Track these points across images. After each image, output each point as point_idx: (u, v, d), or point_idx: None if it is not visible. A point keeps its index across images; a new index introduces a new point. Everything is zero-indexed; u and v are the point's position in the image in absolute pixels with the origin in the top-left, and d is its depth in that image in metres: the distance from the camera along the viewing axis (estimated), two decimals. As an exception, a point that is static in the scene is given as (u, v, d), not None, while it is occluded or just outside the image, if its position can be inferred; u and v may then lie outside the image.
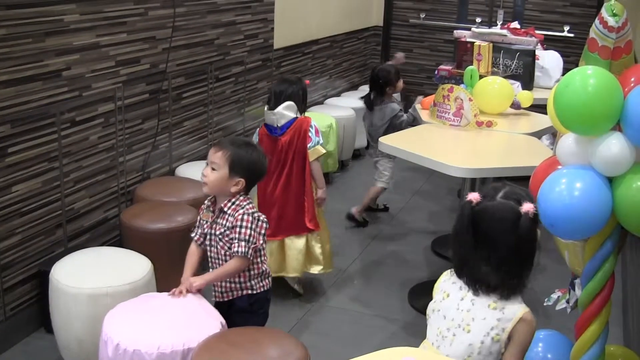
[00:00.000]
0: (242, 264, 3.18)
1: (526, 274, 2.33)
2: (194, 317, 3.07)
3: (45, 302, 3.67)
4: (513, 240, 2.26)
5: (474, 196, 2.34)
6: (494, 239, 2.28)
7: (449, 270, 2.46)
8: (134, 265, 3.61)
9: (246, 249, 3.13)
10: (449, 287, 2.41)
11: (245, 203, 3.20)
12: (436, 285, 2.47)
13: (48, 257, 3.92)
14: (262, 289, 3.30)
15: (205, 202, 3.33)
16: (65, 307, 3.45)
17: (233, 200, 3.20)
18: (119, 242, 4.34)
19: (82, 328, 3.41)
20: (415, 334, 4.15)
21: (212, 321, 3.05)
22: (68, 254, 3.74)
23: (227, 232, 3.18)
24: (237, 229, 3.14)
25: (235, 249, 3.14)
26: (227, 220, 3.19)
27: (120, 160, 4.42)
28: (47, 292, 3.59)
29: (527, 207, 2.26)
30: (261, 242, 3.21)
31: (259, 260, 3.25)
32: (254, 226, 3.16)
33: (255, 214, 3.19)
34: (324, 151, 4.40)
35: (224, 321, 3.11)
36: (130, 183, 4.55)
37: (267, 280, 3.33)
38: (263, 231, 3.22)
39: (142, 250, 3.79)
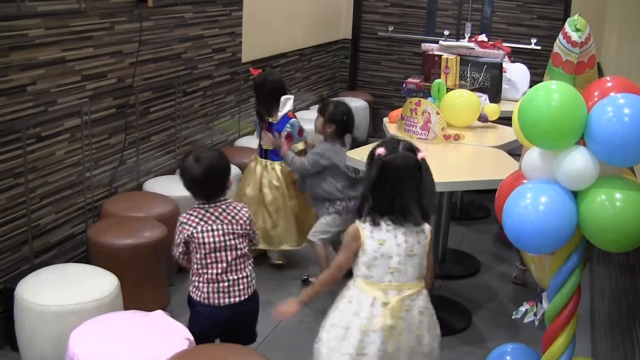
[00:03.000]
0: None
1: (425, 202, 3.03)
2: (161, 335, 3.06)
3: (10, 320, 3.62)
4: (417, 180, 2.96)
5: (381, 150, 2.96)
6: (404, 181, 2.95)
7: (358, 225, 3.00)
8: (101, 282, 3.58)
9: None
10: (378, 236, 2.97)
11: None
12: (362, 240, 2.98)
13: (13, 274, 3.87)
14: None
15: None
16: (30, 325, 3.42)
17: None
18: (86, 258, 4.31)
19: (48, 346, 3.38)
20: (384, 347, 4.15)
21: (178, 338, 3.03)
22: (34, 271, 3.70)
23: None
24: None
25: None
26: None
27: (87, 176, 4.39)
28: (12, 309, 3.55)
29: (420, 155, 2.99)
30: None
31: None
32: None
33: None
34: None
35: (191, 338, 3.10)
36: (97, 198, 4.51)
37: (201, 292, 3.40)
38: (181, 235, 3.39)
39: (109, 266, 3.77)
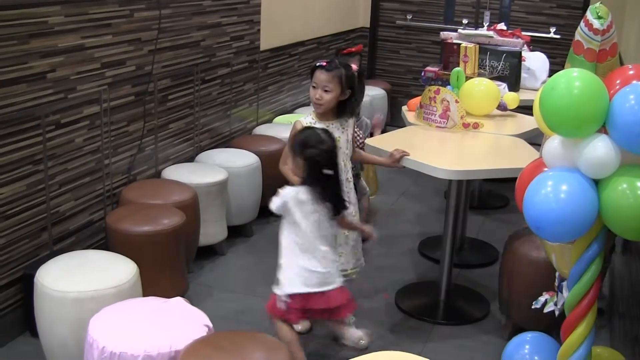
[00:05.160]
0: None
1: None
2: (180, 321, 3.07)
3: (30, 306, 3.64)
4: None
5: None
6: None
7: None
8: (120, 269, 3.59)
9: None
10: None
11: None
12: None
13: (33, 260, 3.89)
14: None
15: None
16: (50, 311, 3.43)
17: None
18: (105, 245, 4.32)
19: (68, 332, 3.39)
20: (403, 335, 4.15)
21: (198, 325, 3.04)
22: (53, 257, 3.71)
23: None
24: None
25: None
26: None
27: (106, 163, 4.40)
28: (32, 295, 3.56)
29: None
30: None
31: None
32: None
33: None
34: None
35: (210, 324, 3.11)
36: (115, 185, 4.53)
37: None
38: None
39: (128, 253, 3.77)
